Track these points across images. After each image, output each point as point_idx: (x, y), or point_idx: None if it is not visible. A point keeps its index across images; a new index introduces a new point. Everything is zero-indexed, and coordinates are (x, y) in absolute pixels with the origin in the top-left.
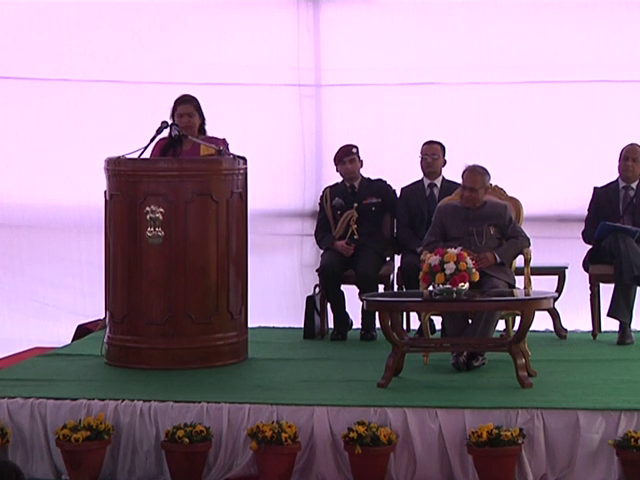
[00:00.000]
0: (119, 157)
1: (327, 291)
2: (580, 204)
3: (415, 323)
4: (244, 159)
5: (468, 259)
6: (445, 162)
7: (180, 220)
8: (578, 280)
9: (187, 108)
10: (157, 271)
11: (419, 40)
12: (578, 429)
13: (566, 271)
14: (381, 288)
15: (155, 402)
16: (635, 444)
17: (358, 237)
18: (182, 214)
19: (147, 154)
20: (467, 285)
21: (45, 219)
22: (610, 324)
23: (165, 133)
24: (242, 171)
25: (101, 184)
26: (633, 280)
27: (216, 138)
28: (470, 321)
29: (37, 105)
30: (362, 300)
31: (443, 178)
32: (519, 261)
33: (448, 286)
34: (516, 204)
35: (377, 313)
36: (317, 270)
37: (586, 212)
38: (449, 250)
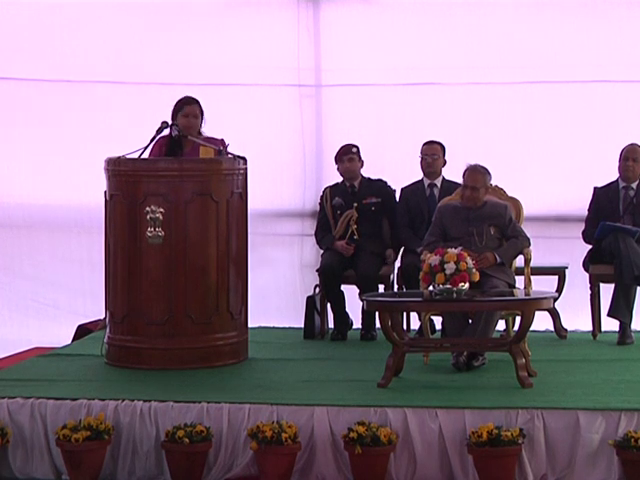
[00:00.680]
0: (119, 157)
1: (327, 291)
2: (580, 204)
3: (415, 323)
4: (244, 159)
5: (468, 259)
6: (445, 162)
7: (180, 220)
8: (578, 280)
9: (194, 109)
10: (157, 271)
11: (419, 40)
12: (578, 429)
13: (566, 271)
14: (381, 288)
15: (155, 402)
16: (635, 444)
17: (358, 237)
18: (182, 214)
19: (147, 154)
20: (467, 285)
21: (45, 219)
22: (610, 324)
23: (165, 133)
24: (242, 171)
25: (101, 184)
26: (633, 280)
27: (214, 138)
28: (470, 321)
29: (37, 105)
30: (362, 300)
31: (443, 178)
32: (519, 261)
33: (448, 286)
34: (516, 204)
35: (377, 313)
36: (317, 270)
37: (586, 212)
38: (449, 250)
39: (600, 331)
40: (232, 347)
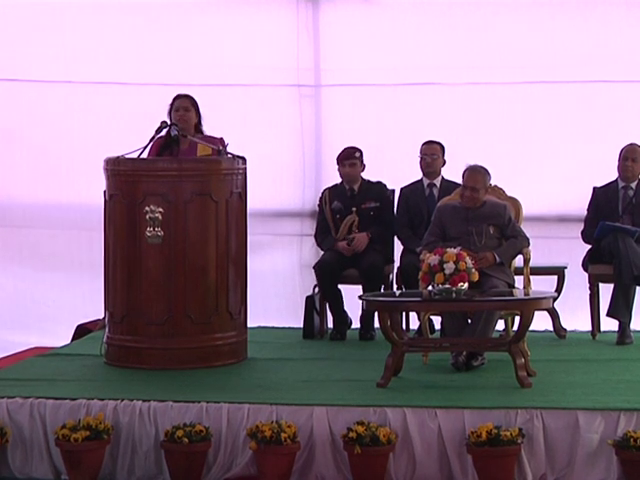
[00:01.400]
0: (118, 157)
1: (323, 288)
2: (579, 204)
3: (414, 323)
4: (243, 159)
5: (467, 259)
6: (444, 162)
7: (179, 220)
8: (577, 280)
9: (183, 102)
10: (156, 271)
11: (419, 40)
12: (577, 429)
13: (565, 271)
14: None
15: (154, 402)
16: (634, 444)
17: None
18: (181, 214)
19: (146, 154)
20: (466, 285)
21: (45, 219)
22: (609, 324)
23: (163, 133)
24: (241, 171)
25: (101, 184)
26: (632, 280)
27: (213, 137)
28: (469, 321)
29: (37, 106)
30: (362, 300)
31: (442, 178)
32: (518, 261)
33: (447, 286)
34: (515, 204)
35: (376, 313)
36: (314, 267)
37: (585, 212)
38: (448, 250)
39: (599, 331)
40: (231, 347)
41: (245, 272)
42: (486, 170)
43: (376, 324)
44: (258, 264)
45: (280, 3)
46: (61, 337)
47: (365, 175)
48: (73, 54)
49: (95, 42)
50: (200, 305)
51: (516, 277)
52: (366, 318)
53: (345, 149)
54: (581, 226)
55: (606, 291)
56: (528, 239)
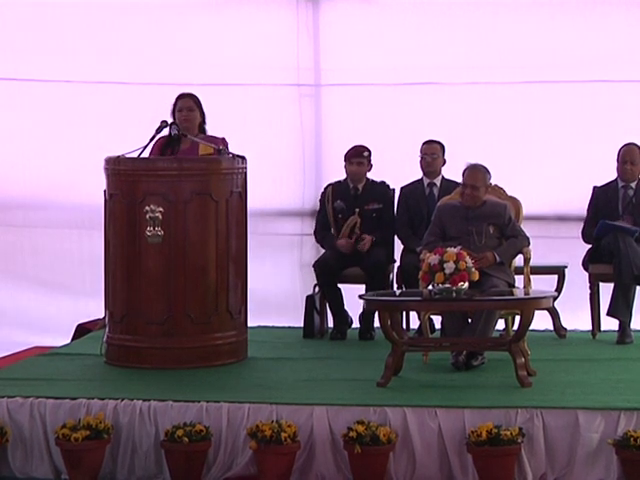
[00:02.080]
0: (118, 156)
1: (323, 286)
2: (579, 203)
3: (414, 322)
4: (244, 158)
5: (467, 258)
6: (445, 161)
7: (180, 219)
8: (578, 279)
9: (187, 102)
10: (156, 270)
11: (419, 40)
12: (577, 428)
13: (566, 270)
14: None
15: (154, 401)
16: (634, 443)
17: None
18: (181, 213)
19: (146, 154)
20: (467, 284)
21: (45, 219)
22: (609, 323)
23: (165, 132)
24: (242, 170)
25: (101, 184)
26: (632, 279)
27: (215, 137)
28: (469, 320)
29: (37, 106)
30: (362, 299)
31: (443, 177)
32: (519, 260)
33: (448, 285)
34: (516, 203)
35: (377, 312)
36: (313, 264)
37: (585, 211)
38: (449, 249)
39: (599, 330)
40: (231, 346)
41: (245, 271)
42: (486, 168)
43: (376, 323)
44: (258, 264)
45: (280, 3)
46: (61, 337)
47: (368, 174)
48: (73, 54)
49: (95, 42)
50: (200, 305)
51: (516, 276)
52: (366, 317)
53: (354, 147)
54: (581, 225)
55: (606, 290)
56: (528, 239)
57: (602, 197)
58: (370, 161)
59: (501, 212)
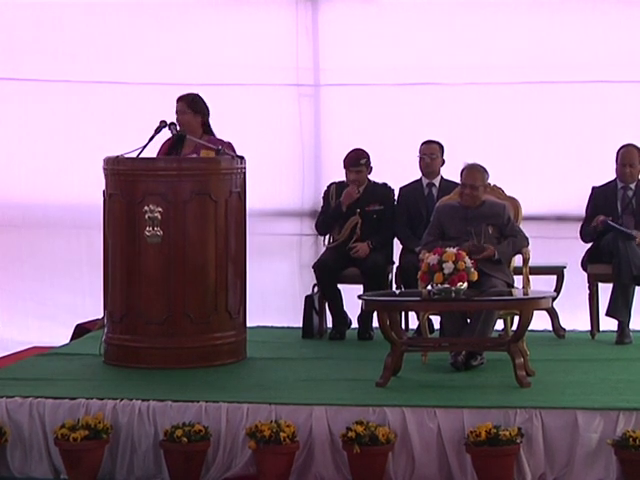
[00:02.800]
0: (117, 156)
1: (322, 288)
2: (578, 204)
3: (413, 323)
4: (243, 158)
5: (466, 258)
6: (444, 162)
7: (179, 219)
8: (577, 280)
9: (179, 105)
10: (156, 270)
11: (418, 40)
12: (577, 428)
13: (565, 271)
14: None
15: (154, 401)
16: (633, 443)
17: (363, 242)
18: (181, 213)
19: (146, 154)
20: (465, 284)
21: (45, 219)
22: (608, 323)
23: (164, 133)
24: (241, 170)
25: (100, 184)
26: (632, 280)
27: (221, 141)
28: (469, 320)
29: (37, 106)
30: (361, 299)
31: (442, 178)
32: (518, 260)
33: (447, 286)
34: (515, 204)
35: (375, 312)
36: (313, 266)
37: (584, 212)
38: (448, 250)
39: (598, 330)
40: (231, 346)
41: (244, 272)
42: (484, 168)
43: (375, 324)
44: (257, 264)
45: (279, 3)
46: (60, 337)
47: (369, 176)
48: (72, 53)
49: (95, 42)
50: (199, 305)
51: (515, 277)
52: (365, 318)
53: (351, 154)
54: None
55: (605, 291)
56: (527, 239)
57: (601, 197)
58: (369, 165)
59: (500, 212)
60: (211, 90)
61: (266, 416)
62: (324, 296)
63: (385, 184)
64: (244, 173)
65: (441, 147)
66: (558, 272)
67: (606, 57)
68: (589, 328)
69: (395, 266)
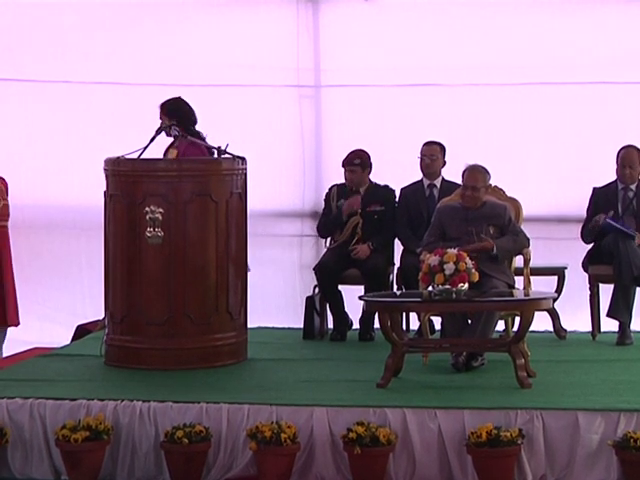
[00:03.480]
0: (118, 157)
1: (324, 289)
2: (579, 204)
3: (414, 323)
4: (243, 159)
5: (467, 259)
6: (444, 163)
7: (179, 220)
8: (577, 280)
9: (159, 113)
10: (156, 271)
11: (419, 41)
12: (577, 429)
13: (565, 271)
14: None
15: (154, 402)
16: (634, 444)
17: (364, 243)
18: (181, 214)
19: (147, 154)
20: (466, 285)
21: (45, 219)
22: (609, 324)
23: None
24: (241, 171)
25: (101, 184)
26: (632, 280)
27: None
28: (469, 321)
29: (38, 106)
30: (362, 300)
31: (442, 179)
32: (518, 261)
33: (447, 286)
34: (515, 204)
35: (377, 313)
36: (314, 268)
37: (585, 213)
38: (448, 250)
39: (599, 331)
40: (231, 347)
41: (245, 272)
42: (486, 169)
43: (376, 325)
44: (258, 265)
45: (280, 3)
46: (61, 338)
47: (371, 177)
48: (72, 54)
49: (95, 42)
50: (200, 305)
51: (516, 278)
52: (366, 319)
53: (350, 154)
54: (581, 227)
55: (606, 292)
56: (528, 239)
57: (602, 198)
58: (366, 166)
59: (501, 213)
60: (212, 91)
61: (267, 417)
62: (325, 298)
63: (387, 186)
64: (245, 174)
65: (442, 148)
66: (559, 273)
67: (606, 58)
68: (590, 329)
69: (396, 267)
